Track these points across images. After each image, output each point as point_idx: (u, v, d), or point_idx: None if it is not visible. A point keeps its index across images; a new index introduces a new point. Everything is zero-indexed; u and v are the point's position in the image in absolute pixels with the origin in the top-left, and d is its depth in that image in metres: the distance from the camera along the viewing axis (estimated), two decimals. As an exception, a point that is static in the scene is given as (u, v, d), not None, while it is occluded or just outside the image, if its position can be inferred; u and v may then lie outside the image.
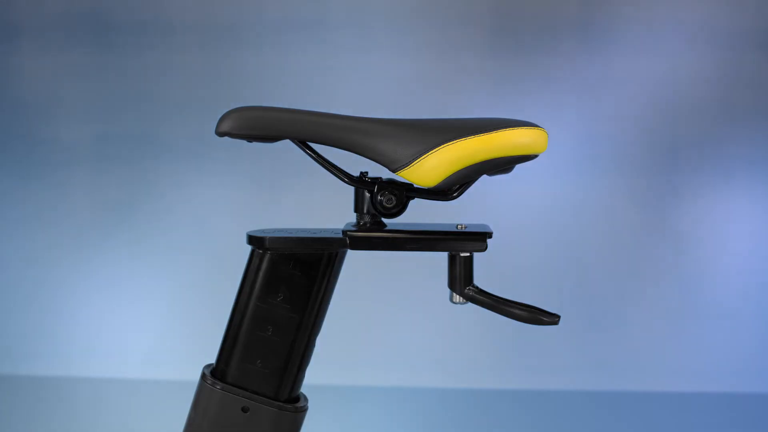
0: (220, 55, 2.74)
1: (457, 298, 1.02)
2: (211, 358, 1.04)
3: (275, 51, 2.73)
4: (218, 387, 1.01)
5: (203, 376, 1.02)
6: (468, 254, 1.00)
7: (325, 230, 1.03)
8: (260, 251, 1.00)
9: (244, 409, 1.01)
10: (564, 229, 2.68)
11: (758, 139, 2.70)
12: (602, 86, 2.69)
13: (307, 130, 0.96)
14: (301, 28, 2.72)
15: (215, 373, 1.02)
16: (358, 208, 1.01)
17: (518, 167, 0.97)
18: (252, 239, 1.00)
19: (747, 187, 2.71)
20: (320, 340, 1.05)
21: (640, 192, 2.71)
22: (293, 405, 1.02)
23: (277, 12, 2.73)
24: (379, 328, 2.75)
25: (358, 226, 1.01)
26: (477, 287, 1.02)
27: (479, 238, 0.99)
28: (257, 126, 0.95)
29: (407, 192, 0.99)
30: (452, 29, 2.71)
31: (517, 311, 1.00)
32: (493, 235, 1.00)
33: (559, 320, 0.99)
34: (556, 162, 2.65)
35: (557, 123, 2.65)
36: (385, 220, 1.02)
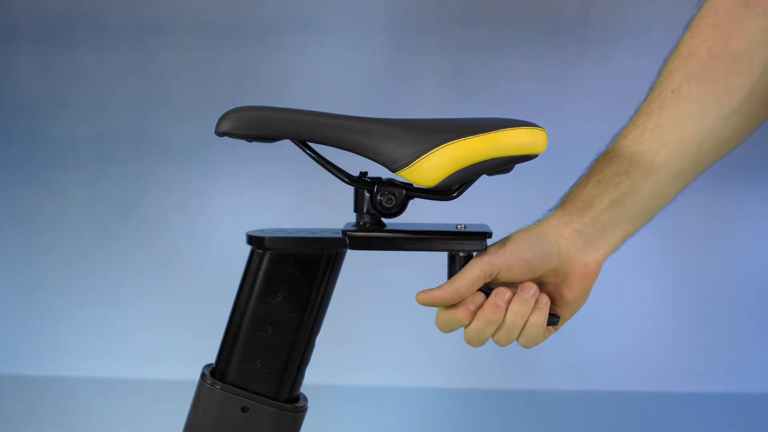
0: (220, 55, 2.74)
1: (456, 297, 1.02)
2: (211, 358, 1.04)
3: (275, 51, 2.73)
4: (218, 387, 1.01)
5: (203, 376, 1.02)
6: (467, 254, 1.00)
7: (325, 230, 1.03)
8: (260, 251, 1.00)
9: (244, 409, 1.01)
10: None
11: (757, 139, 2.70)
12: (602, 86, 2.69)
13: (306, 130, 0.95)
14: (301, 28, 2.72)
15: (215, 373, 1.02)
16: (357, 208, 1.01)
17: (518, 167, 0.97)
18: (252, 239, 1.00)
19: (746, 186, 2.71)
20: (320, 340, 1.05)
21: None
22: (293, 405, 1.02)
23: (277, 12, 2.73)
24: (378, 327, 2.75)
25: (358, 226, 1.01)
26: None
27: (479, 238, 0.99)
28: (257, 126, 0.95)
29: (407, 192, 0.99)
30: (452, 29, 2.71)
31: None
32: (493, 235, 1.00)
33: (558, 321, 0.99)
34: (556, 162, 2.65)
35: (557, 123, 2.65)
36: (384, 220, 1.02)
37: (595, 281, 0.98)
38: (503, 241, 0.96)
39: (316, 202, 2.67)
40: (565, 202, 0.97)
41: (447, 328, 1.00)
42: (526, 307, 0.95)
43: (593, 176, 0.97)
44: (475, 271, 0.95)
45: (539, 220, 0.98)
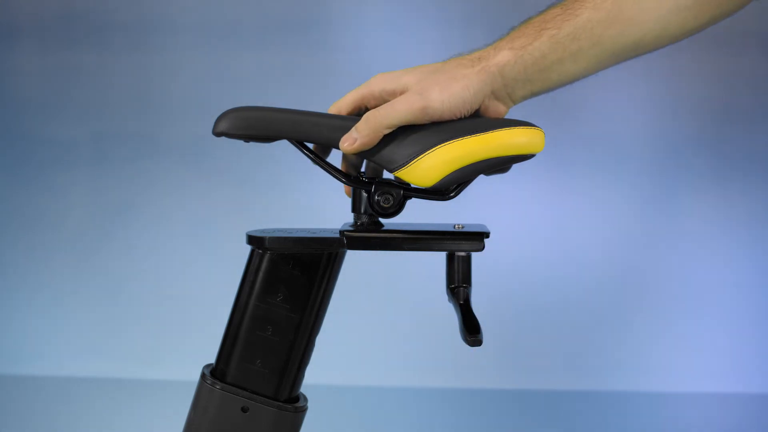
0: (220, 55, 2.74)
1: (454, 297, 1.02)
2: (211, 358, 1.04)
3: (275, 51, 2.73)
4: (218, 387, 1.01)
5: (203, 376, 1.03)
6: (465, 254, 1.00)
7: (324, 230, 1.03)
8: (260, 251, 1.00)
9: (244, 409, 1.01)
10: (563, 229, 2.69)
11: (758, 139, 2.70)
12: (601, 86, 2.69)
13: (304, 130, 0.96)
14: (301, 28, 2.73)
15: (215, 373, 1.02)
16: (355, 208, 1.01)
17: (515, 166, 0.97)
18: (251, 239, 1.00)
19: (746, 187, 2.71)
20: (320, 340, 1.05)
21: (640, 191, 2.71)
22: (293, 405, 1.02)
23: (277, 12, 2.73)
24: (378, 327, 2.75)
25: (356, 226, 1.01)
26: (462, 287, 1.01)
27: (476, 238, 0.99)
28: (254, 126, 0.95)
29: (404, 192, 0.99)
30: (452, 29, 2.71)
31: (461, 319, 0.99)
32: (491, 235, 1.00)
33: (477, 344, 0.94)
34: (554, 161, 2.65)
35: (555, 122, 2.65)
36: (382, 220, 1.02)
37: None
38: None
39: (315, 202, 2.67)
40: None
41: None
42: None
43: (547, 28, 0.99)
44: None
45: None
